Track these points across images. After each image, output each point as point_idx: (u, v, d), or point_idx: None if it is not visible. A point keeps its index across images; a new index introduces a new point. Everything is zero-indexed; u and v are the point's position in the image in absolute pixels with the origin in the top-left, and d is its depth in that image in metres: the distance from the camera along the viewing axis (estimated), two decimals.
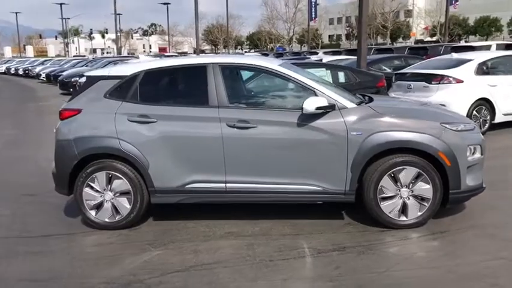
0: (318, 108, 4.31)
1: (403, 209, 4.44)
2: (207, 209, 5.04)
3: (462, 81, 8.80)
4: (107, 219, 4.71)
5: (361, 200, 4.50)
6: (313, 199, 4.58)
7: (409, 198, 4.41)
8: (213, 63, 4.67)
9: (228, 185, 4.55)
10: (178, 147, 4.52)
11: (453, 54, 10.14)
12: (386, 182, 4.39)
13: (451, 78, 8.84)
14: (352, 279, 3.56)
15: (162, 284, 3.58)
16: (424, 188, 4.38)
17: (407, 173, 4.37)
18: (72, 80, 20.85)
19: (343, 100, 4.50)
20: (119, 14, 46.76)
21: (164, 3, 65.14)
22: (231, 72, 4.72)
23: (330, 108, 4.37)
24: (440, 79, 8.86)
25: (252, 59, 4.99)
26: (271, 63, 4.74)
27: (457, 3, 32.73)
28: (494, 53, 9.64)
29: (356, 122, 4.37)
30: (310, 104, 4.30)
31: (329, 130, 4.37)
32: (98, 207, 4.70)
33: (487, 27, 62.55)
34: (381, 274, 3.62)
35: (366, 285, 3.46)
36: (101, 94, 4.73)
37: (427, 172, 4.35)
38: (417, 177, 4.38)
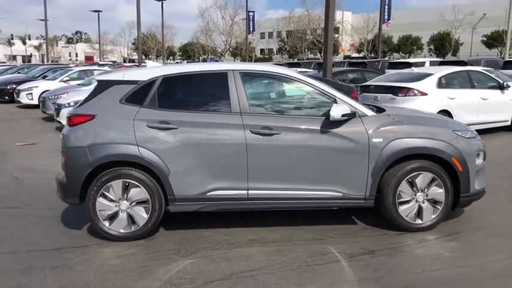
0: (343, 116, 4.43)
1: (419, 213, 4.66)
2: (212, 217, 4.96)
3: (426, 94, 9.37)
4: (122, 230, 4.51)
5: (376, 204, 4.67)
6: (334, 204, 4.67)
7: (424, 202, 4.64)
8: (233, 70, 4.66)
9: (250, 191, 4.53)
10: (200, 154, 4.44)
11: (413, 68, 10.77)
12: (404, 187, 4.58)
13: (416, 91, 9.39)
14: (396, 280, 3.68)
15: None
16: (438, 192, 4.62)
17: (423, 178, 4.59)
18: (8, 87, 19.62)
19: (362, 108, 4.66)
20: (43, 20, 44.29)
21: (95, 11, 63.22)
22: (251, 79, 4.72)
23: (353, 115, 4.51)
24: (406, 91, 9.38)
25: (272, 66, 5.03)
26: (291, 71, 4.82)
27: (389, 22, 34.69)
28: (451, 69, 10.35)
29: (376, 129, 4.54)
30: (337, 112, 4.41)
31: (351, 137, 4.50)
32: (112, 217, 4.50)
33: (409, 45, 66.69)
34: (419, 274, 3.77)
35: (410, 286, 3.59)
36: (116, 99, 4.55)
37: (440, 177, 4.60)
38: (431, 182, 4.62)
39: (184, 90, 4.70)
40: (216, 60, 62.13)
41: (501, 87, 10.62)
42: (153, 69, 4.81)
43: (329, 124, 4.51)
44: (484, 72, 10.77)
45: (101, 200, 4.45)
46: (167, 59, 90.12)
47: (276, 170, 4.52)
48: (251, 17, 44.21)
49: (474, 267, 3.88)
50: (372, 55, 60.77)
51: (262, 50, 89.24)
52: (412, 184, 4.60)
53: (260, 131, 4.45)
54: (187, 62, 55.67)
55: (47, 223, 5.08)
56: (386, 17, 33.27)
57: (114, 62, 59.15)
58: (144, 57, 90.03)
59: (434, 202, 4.65)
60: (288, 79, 4.77)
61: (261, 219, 4.96)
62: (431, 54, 61.52)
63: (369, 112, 4.66)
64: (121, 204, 4.48)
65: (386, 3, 32.84)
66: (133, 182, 4.44)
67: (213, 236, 4.63)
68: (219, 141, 4.46)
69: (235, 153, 4.46)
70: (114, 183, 4.44)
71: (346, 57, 62.47)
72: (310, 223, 4.91)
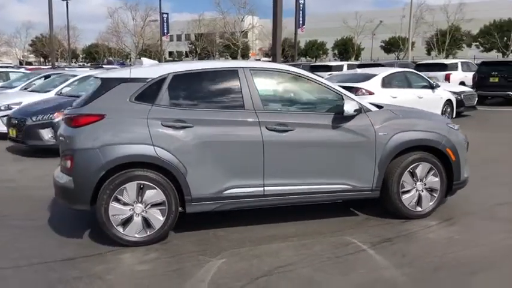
0: (355, 111, 4.62)
1: (418, 201, 4.98)
2: (217, 216, 4.90)
3: (373, 93, 9.95)
4: (137, 235, 4.30)
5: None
6: (343, 197, 4.84)
7: (423, 191, 4.96)
8: (243, 67, 4.65)
9: (266, 188, 4.55)
10: (217, 152, 4.38)
11: (357, 69, 11.36)
12: (406, 177, 4.87)
13: (364, 90, 9.93)
14: (425, 263, 3.90)
15: (268, 285, 3.51)
16: (434, 180, 4.98)
17: (422, 168, 4.92)
18: None
19: (366, 104, 4.89)
20: None
21: None
22: (261, 76, 4.73)
23: (360, 111, 4.72)
24: (356, 91, 9.86)
25: (279, 64, 5.08)
26: (299, 69, 4.92)
27: (304, 26, 36.02)
28: (391, 70, 11.08)
29: (381, 123, 4.78)
30: (350, 107, 4.59)
31: (360, 131, 4.71)
32: (126, 222, 4.27)
33: (315, 50, 69.65)
34: (442, 257, 4.04)
35: (440, 268, 3.83)
36: (125, 98, 4.33)
37: (436, 166, 4.96)
38: (428, 172, 4.96)
39: (196, 88, 4.59)
40: (122, 63, 60.03)
41: (432, 87, 11.57)
42: (161, 67, 4.66)
43: (339, 120, 4.67)
44: (418, 73, 11.67)
45: (114, 204, 4.21)
46: (69, 61, 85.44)
47: (291, 166, 4.59)
48: (165, 18, 43.47)
49: (485, 248, 4.23)
50: (282, 59, 62.67)
51: (171, 53, 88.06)
52: (412, 174, 4.90)
53: (276, 128, 4.50)
54: (91, 65, 53.13)
55: (35, 233, 4.70)
56: (301, 22, 34.54)
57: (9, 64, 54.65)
58: (42, 59, 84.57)
59: (431, 190, 5.00)
60: (296, 76, 4.86)
61: (269, 216, 4.98)
62: (335, 59, 64.78)
63: (373, 108, 4.90)
64: (135, 208, 4.27)
65: (301, 8, 34.11)
66: (149, 183, 4.25)
67: (228, 235, 4.58)
68: (236, 139, 4.43)
69: (251, 150, 4.46)
70: (128, 186, 4.22)
71: (257, 60, 63.76)
72: (318, 217, 5.02)
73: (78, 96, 9.81)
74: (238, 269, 3.83)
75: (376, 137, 4.73)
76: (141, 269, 3.90)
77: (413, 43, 56.32)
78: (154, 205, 4.30)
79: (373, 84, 10.13)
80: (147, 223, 4.31)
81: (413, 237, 4.49)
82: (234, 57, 72.15)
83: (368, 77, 10.39)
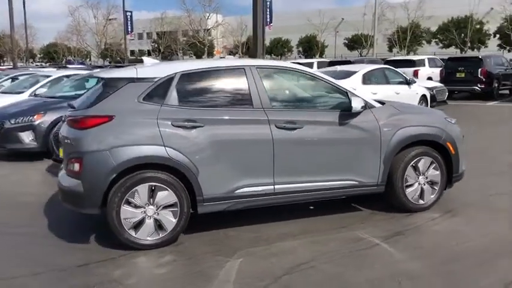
0: (362, 107, 4.68)
1: (421, 194, 5.09)
2: (225, 216, 4.87)
3: (355, 90, 10.06)
4: (149, 238, 4.21)
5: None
6: (350, 193, 4.89)
7: (425, 184, 5.08)
8: (250, 65, 4.63)
9: (276, 186, 4.55)
10: (228, 151, 4.35)
11: (337, 67, 11.49)
12: (410, 171, 4.97)
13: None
14: (441, 254, 3.99)
15: (293, 283, 3.50)
16: (435, 174, 5.10)
17: (424, 162, 5.03)
18: None
19: (370, 100, 4.96)
20: None
21: None
22: (267, 75, 4.72)
23: (366, 107, 4.78)
24: None
25: (285, 62, 5.08)
26: (305, 67, 4.93)
27: (271, 24, 36.13)
28: (370, 66, 11.29)
29: (385, 119, 4.86)
30: (357, 104, 4.65)
31: (366, 127, 4.77)
32: (138, 225, 4.18)
33: (280, 47, 69.98)
34: (456, 247, 4.14)
35: (457, 258, 3.94)
36: (133, 98, 4.24)
37: (437, 160, 5.08)
38: (430, 165, 5.08)
39: (204, 87, 4.54)
40: (82, 63, 58.60)
41: (408, 83, 11.85)
42: (167, 66, 4.59)
43: (346, 116, 4.72)
44: (395, 70, 11.93)
45: (125, 207, 4.12)
46: (27, 61, 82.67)
47: (300, 163, 4.61)
48: (129, 16, 42.66)
49: (493, 237, 4.36)
50: (247, 57, 62.68)
51: (132, 52, 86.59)
52: (415, 168, 5.01)
53: (286, 126, 4.50)
54: (50, 65, 51.51)
55: (40, 241, 4.54)
56: (268, 19, 34.63)
57: None
58: None
59: (432, 183, 5.12)
60: (302, 74, 4.88)
61: (274, 214, 4.97)
62: (300, 56, 65.28)
63: (376, 104, 4.97)
64: (147, 210, 4.18)
65: (268, 6, 34.20)
66: (161, 185, 4.18)
67: (240, 235, 4.56)
68: (246, 138, 4.41)
69: (262, 148, 4.45)
70: (139, 188, 4.13)
71: (221, 58, 63.46)
72: (321, 213, 5.05)
73: (55, 98, 9.60)
74: (259, 268, 3.82)
75: (381, 132, 4.80)
76: (160, 272, 3.83)
77: (376, 39, 57.60)
78: (166, 207, 4.23)
79: (354, 81, 10.28)
80: (159, 225, 4.23)
81: (421, 230, 4.59)
82: (199, 56, 71.77)
83: (349, 74, 10.55)
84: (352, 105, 4.63)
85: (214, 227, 4.69)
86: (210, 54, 71.39)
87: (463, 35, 54.59)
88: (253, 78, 4.56)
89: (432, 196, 5.13)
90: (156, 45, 74.75)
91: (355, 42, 62.83)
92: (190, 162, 4.22)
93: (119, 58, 65.95)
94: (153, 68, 4.55)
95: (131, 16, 42.59)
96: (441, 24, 56.63)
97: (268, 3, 34.52)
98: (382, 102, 5.29)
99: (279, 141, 4.47)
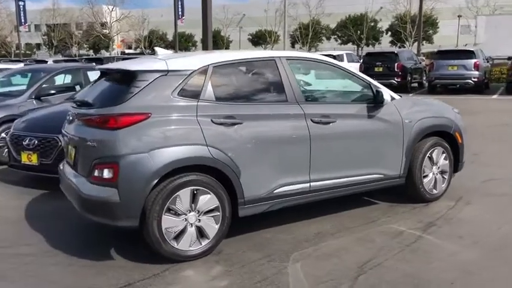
0: (391, 99, 4.64)
1: (435, 184, 5.19)
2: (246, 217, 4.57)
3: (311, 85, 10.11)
4: (191, 248, 3.79)
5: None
6: (376, 187, 4.82)
7: (437, 174, 5.19)
8: (280, 56, 4.36)
9: (312, 183, 4.34)
10: (267, 148, 4.05)
11: None
12: (426, 162, 5.04)
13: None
14: (486, 242, 4.07)
15: (373, 283, 3.35)
16: (445, 163, 5.22)
17: (437, 152, 5.13)
18: None
19: (391, 92, 4.93)
20: None
21: None
22: (296, 66, 4.47)
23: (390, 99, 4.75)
24: None
25: (312, 54, 4.85)
26: (331, 59, 4.76)
27: (184, 18, 35.27)
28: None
29: (405, 111, 4.86)
30: (387, 96, 4.60)
31: (391, 120, 4.73)
32: (180, 234, 3.74)
33: (184, 42, 68.78)
34: (494, 233, 4.26)
35: (503, 244, 4.04)
36: (167, 93, 3.77)
37: (447, 150, 5.22)
38: (441, 155, 5.19)
39: (236, 80, 4.19)
40: None
41: None
42: (197, 57, 4.14)
43: (373, 108, 4.64)
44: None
45: (167, 216, 3.66)
46: None
47: (334, 158, 4.45)
48: (21, 7, 39.02)
49: None
50: (149, 51, 60.79)
51: (17, 45, 79.62)
52: (430, 159, 5.09)
53: (321, 120, 4.31)
54: None
55: (55, 260, 3.89)
56: (180, 12, 33.78)
57: None
58: None
59: (442, 172, 5.24)
60: (329, 66, 4.70)
61: (293, 212, 4.68)
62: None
63: (396, 96, 4.96)
64: (188, 217, 3.76)
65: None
66: (203, 188, 3.77)
67: (276, 237, 4.28)
68: (285, 133, 4.14)
69: (300, 144, 4.21)
70: (181, 193, 3.69)
71: (121, 52, 60.82)
72: (340, 209, 4.89)
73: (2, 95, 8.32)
74: (325, 270, 3.59)
75: (403, 124, 4.80)
76: (222, 285, 3.45)
77: (278, 36, 58.98)
78: (207, 212, 3.83)
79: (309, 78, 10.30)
80: (200, 233, 3.83)
81: (450, 219, 4.66)
82: (96, 50, 68.11)
83: None
84: (384, 97, 4.56)
85: (245, 230, 4.36)
86: (107, 48, 68.05)
87: (359, 32, 57.93)
88: (284, 70, 4.29)
89: (443, 185, 5.26)
90: (47, 39, 69.53)
91: (260, 38, 63.85)
92: (232, 162, 3.86)
93: (4, 52, 60.45)
94: (183, 60, 4.09)
95: (24, 6, 39.02)
96: (339, 21, 59.60)
97: None
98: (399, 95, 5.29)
99: (315, 136, 4.27)
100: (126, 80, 3.82)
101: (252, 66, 4.29)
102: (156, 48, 4.42)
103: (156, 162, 3.56)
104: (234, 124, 3.90)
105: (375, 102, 4.61)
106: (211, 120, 3.81)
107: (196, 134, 3.73)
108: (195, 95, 3.85)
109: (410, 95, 18.25)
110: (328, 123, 4.35)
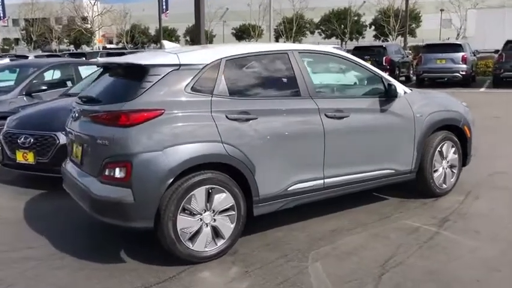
0: (405, 93, 4.55)
1: (444, 178, 5.13)
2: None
3: None
4: (206, 248, 3.65)
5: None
6: (387, 182, 4.73)
7: (447, 168, 5.13)
8: (292, 49, 4.23)
9: (326, 180, 4.24)
10: (281, 145, 3.93)
11: None
12: (437, 156, 4.97)
13: None
14: (503, 236, 4.03)
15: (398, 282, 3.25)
16: (454, 157, 5.17)
17: (447, 146, 5.07)
18: None
19: (402, 86, 4.84)
20: None
21: None
22: (308, 60, 4.34)
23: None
24: None
25: (324, 47, 4.73)
26: (343, 52, 4.65)
27: (168, 12, 34.85)
28: None
29: (416, 105, 4.78)
30: (400, 90, 4.51)
31: (403, 114, 4.65)
32: (195, 235, 3.60)
33: (167, 36, 68.07)
34: (510, 227, 4.23)
35: None
36: (179, 88, 3.61)
37: (456, 144, 5.16)
38: (450, 149, 5.13)
39: (250, 74, 4.05)
40: None
41: None
42: (209, 51, 4.00)
43: (385, 102, 4.55)
44: None
45: (182, 216, 3.51)
46: None
47: (347, 154, 4.35)
48: (0, 1, 38.11)
49: None
50: (131, 45, 60.10)
51: None
52: (440, 153, 5.03)
53: (336, 115, 4.20)
54: None
55: (62, 264, 3.72)
56: (164, 6, 33.36)
57: None
58: None
59: (451, 167, 5.19)
60: (341, 59, 4.59)
61: (301, 209, 4.54)
62: (187, 45, 64.24)
63: (407, 90, 4.87)
64: (204, 217, 3.62)
65: None
66: (218, 187, 3.64)
67: (290, 235, 4.17)
68: (299, 129, 4.03)
69: (314, 140, 4.10)
70: (197, 192, 3.55)
71: (103, 47, 59.96)
72: (350, 206, 4.77)
73: None
74: (347, 269, 3.49)
75: (414, 118, 4.72)
76: (243, 286, 3.32)
77: (262, 30, 58.78)
78: (222, 211, 3.70)
79: None
80: (216, 233, 3.69)
81: (463, 214, 4.60)
82: (77, 45, 67.04)
83: None
84: (398, 91, 4.48)
85: (256, 229, 4.23)
86: (88, 43, 66.98)
87: (343, 26, 57.99)
88: (297, 63, 4.17)
89: (452, 179, 5.20)
90: (26, 33, 68.09)
91: (243, 32, 63.51)
92: (247, 159, 3.73)
93: None
94: (195, 54, 3.94)
95: (3, 1, 38.08)
96: (323, 15, 59.60)
97: None
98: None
99: (329, 131, 4.16)
100: (137, 74, 3.64)
101: (265, 60, 4.15)
102: (163, 42, 4.25)
103: (171, 161, 3.41)
104: (248, 120, 3.76)
105: (387, 96, 4.51)
106: (226, 116, 3.67)
107: (211, 130, 3.59)
108: (209, 89, 3.70)
109: None
110: (342, 117, 4.24)
